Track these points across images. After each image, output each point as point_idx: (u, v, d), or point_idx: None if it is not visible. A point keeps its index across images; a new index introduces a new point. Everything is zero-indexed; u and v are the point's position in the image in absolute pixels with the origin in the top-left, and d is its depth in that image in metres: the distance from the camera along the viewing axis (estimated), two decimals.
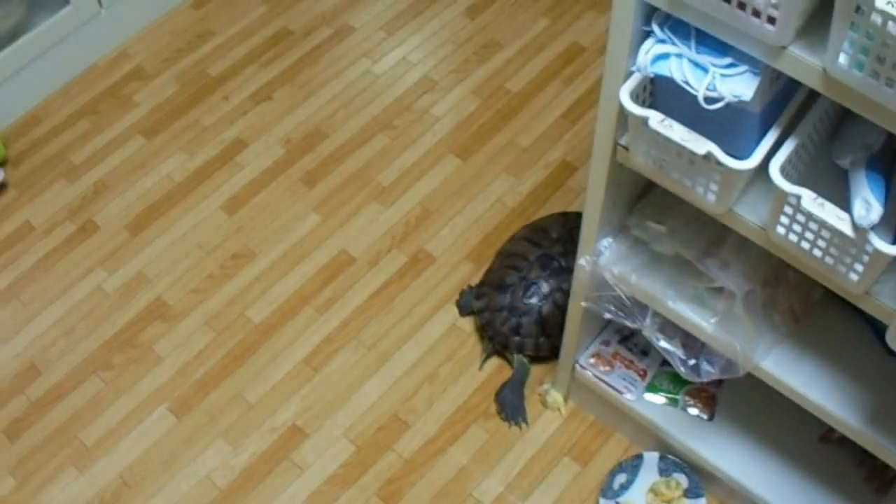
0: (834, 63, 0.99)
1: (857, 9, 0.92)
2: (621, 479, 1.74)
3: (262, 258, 2.13)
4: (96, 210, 2.21)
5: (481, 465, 1.84)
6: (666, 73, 1.14)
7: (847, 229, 1.09)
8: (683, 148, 1.19)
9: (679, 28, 1.14)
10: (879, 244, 1.07)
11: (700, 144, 1.17)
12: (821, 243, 1.16)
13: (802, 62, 1.03)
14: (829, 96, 1.04)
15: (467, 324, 2.01)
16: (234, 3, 2.60)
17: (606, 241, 1.53)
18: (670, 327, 1.52)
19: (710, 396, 1.73)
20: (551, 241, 1.92)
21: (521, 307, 1.87)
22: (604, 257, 1.53)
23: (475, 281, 2.05)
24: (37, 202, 2.23)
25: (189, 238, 2.16)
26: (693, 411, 1.72)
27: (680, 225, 1.47)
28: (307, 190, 2.23)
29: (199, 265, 2.12)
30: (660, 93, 1.23)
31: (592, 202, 1.45)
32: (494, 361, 1.97)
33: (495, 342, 1.92)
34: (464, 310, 2.03)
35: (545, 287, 1.87)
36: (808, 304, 1.45)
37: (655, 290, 1.49)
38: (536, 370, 1.94)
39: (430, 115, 2.35)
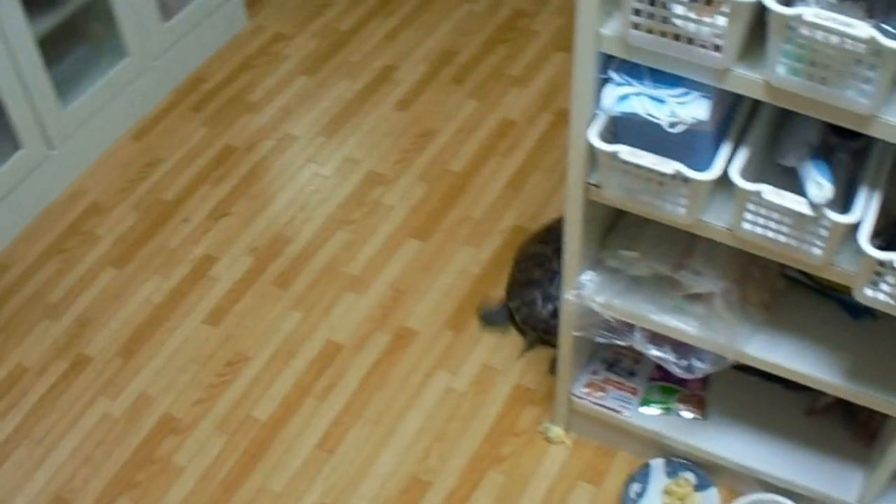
0: (774, 74, 1.21)
1: (789, 25, 1.15)
2: (636, 488, 1.89)
3: (254, 361, 2.24)
4: (84, 343, 2.29)
5: None
6: (631, 110, 1.35)
7: (807, 209, 1.31)
8: (653, 171, 1.39)
9: (633, 70, 1.35)
10: (835, 216, 1.29)
11: (668, 165, 1.38)
12: (784, 229, 1.37)
13: (747, 79, 1.25)
14: (775, 103, 1.26)
15: (462, 383, 2.16)
16: (173, 129, 2.75)
17: (587, 275, 1.71)
18: (659, 337, 1.70)
19: (699, 399, 1.91)
20: (560, 235, 2.18)
21: (553, 294, 2.07)
22: (587, 289, 1.71)
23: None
24: (24, 345, 2.29)
25: (181, 354, 2.26)
26: (687, 414, 1.90)
27: (650, 247, 1.68)
28: (282, 291, 2.37)
29: (196, 377, 2.22)
30: (621, 130, 1.44)
31: (571, 242, 1.64)
32: (495, 425, 2.11)
33: (539, 330, 2.14)
34: (492, 320, 2.24)
35: None
36: (774, 293, 1.67)
37: (638, 309, 1.68)
38: (532, 411, 2.10)
39: (383, 204, 2.53)
